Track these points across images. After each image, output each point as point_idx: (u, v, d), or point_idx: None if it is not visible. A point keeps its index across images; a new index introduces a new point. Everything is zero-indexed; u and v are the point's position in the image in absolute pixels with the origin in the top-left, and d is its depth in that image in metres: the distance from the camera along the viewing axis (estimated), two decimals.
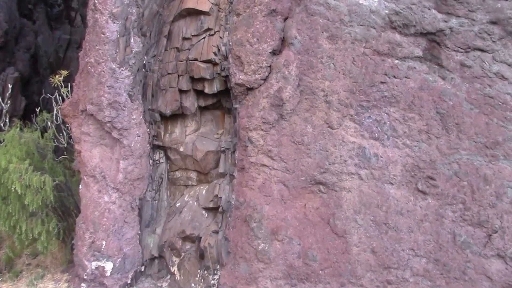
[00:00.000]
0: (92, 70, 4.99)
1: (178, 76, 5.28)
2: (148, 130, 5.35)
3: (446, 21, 4.49)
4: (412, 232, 4.40)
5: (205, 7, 5.14)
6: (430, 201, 4.41)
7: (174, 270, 5.32)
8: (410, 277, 4.37)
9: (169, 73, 5.32)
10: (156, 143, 5.52)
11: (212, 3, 5.15)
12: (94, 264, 5.19)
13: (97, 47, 4.94)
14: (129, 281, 5.30)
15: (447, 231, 4.35)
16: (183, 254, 5.27)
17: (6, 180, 5.37)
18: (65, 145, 6.97)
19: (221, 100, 5.38)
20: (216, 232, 5.09)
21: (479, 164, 4.36)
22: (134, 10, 5.06)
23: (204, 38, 5.13)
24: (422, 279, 4.35)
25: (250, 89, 4.78)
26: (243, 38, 4.75)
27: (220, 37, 5.04)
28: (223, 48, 4.98)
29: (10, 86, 8.02)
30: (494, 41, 4.43)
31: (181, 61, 5.25)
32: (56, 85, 6.85)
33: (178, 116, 5.49)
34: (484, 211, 4.30)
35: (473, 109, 4.41)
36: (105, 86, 4.95)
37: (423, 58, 4.57)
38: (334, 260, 4.49)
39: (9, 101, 7.79)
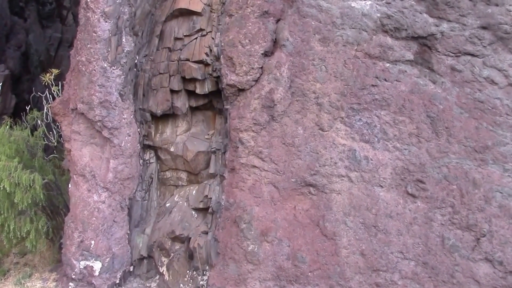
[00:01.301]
0: (83, 68, 4.96)
1: (170, 76, 5.27)
2: (138, 129, 5.33)
3: (437, 26, 4.51)
4: (401, 235, 4.41)
5: (197, 8, 5.13)
6: (419, 204, 4.43)
7: (163, 271, 5.30)
8: (399, 280, 4.38)
9: (160, 73, 5.30)
10: (147, 143, 5.49)
11: (205, 4, 5.14)
12: (82, 263, 5.17)
13: (88, 45, 4.92)
14: (117, 281, 5.27)
15: (436, 234, 4.36)
16: (172, 254, 5.25)
17: None
18: (55, 143, 6.92)
19: (213, 101, 5.37)
20: (206, 233, 5.07)
21: (468, 168, 4.38)
22: (126, 9, 5.04)
23: (196, 38, 5.12)
24: (410, 282, 4.36)
25: (241, 90, 4.78)
26: (235, 39, 4.74)
27: (212, 38, 5.04)
28: (215, 49, 4.97)
29: (0, 84, 7.96)
30: (484, 46, 4.45)
31: (173, 61, 5.24)
32: (46, 84, 6.81)
33: (169, 116, 5.47)
34: (472, 215, 4.31)
35: (463, 113, 4.43)
36: (96, 85, 4.93)
37: (414, 62, 4.58)
38: (323, 262, 4.49)
39: None
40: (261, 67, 4.71)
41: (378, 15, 4.55)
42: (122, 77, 5.05)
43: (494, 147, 4.37)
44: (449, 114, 4.44)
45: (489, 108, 4.42)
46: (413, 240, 4.40)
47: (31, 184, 5.34)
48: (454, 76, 4.49)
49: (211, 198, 5.07)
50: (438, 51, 4.53)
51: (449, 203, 4.38)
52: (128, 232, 5.34)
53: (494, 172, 4.36)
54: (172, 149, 5.40)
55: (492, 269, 4.26)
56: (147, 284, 5.37)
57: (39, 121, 6.91)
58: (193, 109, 5.48)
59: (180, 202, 5.41)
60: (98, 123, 5.03)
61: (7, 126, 6.25)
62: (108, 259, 5.18)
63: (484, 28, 4.46)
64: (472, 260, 4.29)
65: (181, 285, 5.10)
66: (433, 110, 4.46)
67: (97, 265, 5.16)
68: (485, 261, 4.28)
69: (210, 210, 5.08)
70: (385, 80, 4.54)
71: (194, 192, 5.34)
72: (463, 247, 4.31)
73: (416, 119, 4.48)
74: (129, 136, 5.17)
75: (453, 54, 4.51)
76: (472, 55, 4.48)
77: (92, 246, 5.14)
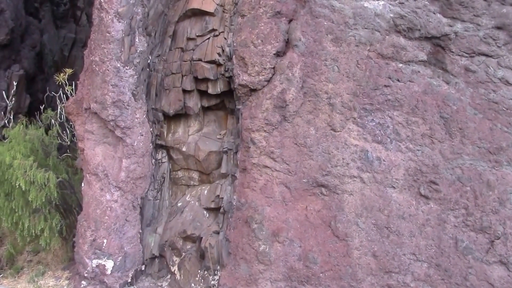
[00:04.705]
0: (97, 68, 5.01)
1: (182, 76, 5.30)
2: (151, 129, 5.36)
3: (451, 26, 4.47)
4: (414, 237, 4.38)
5: (210, 8, 5.16)
6: (432, 206, 4.39)
7: (175, 270, 5.32)
8: (411, 282, 4.35)
9: (173, 73, 5.34)
10: (159, 142, 5.53)
11: (217, 4, 5.17)
12: (95, 262, 5.21)
13: (102, 45, 4.96)
14: (129, 280, 5.30)
15: (449, 236, 4.32)
16: (183, 254, 5.27)
17: (11, 176, 5.41)
18: (68, 143, 7.01)
19: (225, 101, 5.39)
20: (217, 233, 5.09)
21: (482, 170, 4.33)
22: (139, 10, 5.08)
23: (208, 38, 5.15)
24: (423, 284, 4.33)
25: (253, 90, 4.79)
26: (247, 39, 4.76)
27: (225, 38, 5.06)
28: (227, 49, 4.99)
29: (15, 83, 8.08)
30: (499, 46, 4.41)
31: (185, 61, 5.27)
32: (60, 83, 6.89)
33: (181, 116, 5.51)
34: (486, 217, 4.27)
35: (477, 114, 4.39)
36: (109, 84, 4.98)
37: (427, 62, 4.55)
38: (335, 263, 4.47)
39: (13, 98, 7.83)
40: (273, 67, 4.72)
41: (391, 15, 4.53)
42: (135, 77, 5.09)
43: (509, 148, 4.32)
44: (462, 115, 4.40)
45: (504, 109, 4.37)
46: (426, 242, 4.36)
47: (46, 183, 5.40)
48: (468, 77, 4.45)
49: (222, 198, 5.09)
50: (452, 52, 4.49)
51: (462, 205, 4.33)
52: (140, 231, 5.37)
53: (508, 174, 4.31)
54: (184, 149, 5.43)
55: (507, 272, 4.21)
56: (159, 283, 5.39)
57: (53, 121, 7.00)
58: (205, 109, 5.51)
59: (192, 202, 5.44)
60: (111, 123, 5.07)
61: (22, 125, 6.32)
62: (120, 258, 5.22)
63: (499, 28, 4.41)
64: (486, 262, 4.24)
65: (192, 284, 5.12)
66: (447, 111, 4.42)
67: (109, 264, 5.20)
68: (500, 264, 4.23)
69: (221, 210, 5.10)
70: (398, 80, 4.51)
71: (205, 192, 5.36)
72: (476, 249, 4.27)
73: (429, 120, 4.45)
74: (142, 135, 5.21)
75: (467, 55, 4.47)
76: (487, 55, 4.44)
77: (104, 245, 5.18)
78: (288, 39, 4.74)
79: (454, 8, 4.47)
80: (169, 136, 5.56)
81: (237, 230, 4.80)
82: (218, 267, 4.98)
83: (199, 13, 5.25)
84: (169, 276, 5.43)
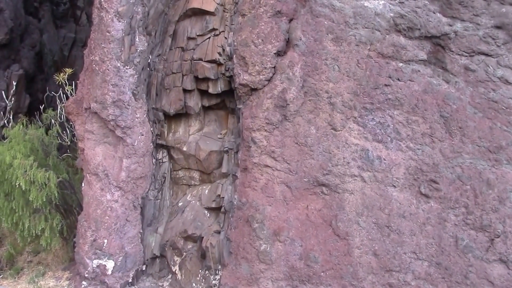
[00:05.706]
0: (97, 68, 5.01)
1: (183, 75, 5.30)
2: (151, 129, 5.36)
3: (451, 25, 4.48)
4: (414, 235, 4.39)
5: (210, 7, 5.16)
6: (432, 205, 4.41)
7: (176, 270, 5.32)
8: (412, 281, 4.36)
9: (173, 73, 5.34)
10: (160, 142, 5.53)
11: (218, 3, 5.17)
12: (95, 262, 5.21)
13: (102, 45, 4.96)
14: (130, 280, 5.30)
15: (450, 235, 4.34)
16: (184, 253, 5.27)
17: (11, 176, 5.40)
18: (69, 142, 7.00)
19: (225, 100, 5.39)
20: (218, 232, 5.09)
21: (482, 168, 4.35)
22: (139, 9, 5.08)
23: (209, 38, 5.15)
24: (424, 282, 4.34)
25: (254, 89, 4.79)
26: (248, 39, 4.76)
27: (225, 38, 5.06)
28: (227, 49, 5.00)
29: (14, 83, 8.07)
30: (498, 46, 4.42)
31: (186, 61, 5.27)
32: (60, 83, 6.89)
33: (182, 115, 5.51)
34: (486, 216, 4.28)
35: (477, 113, 4.40)
36: (109, 84, 4.97)
37: (427, 62, 4.56)
38: (336, 262, 4.49)
39: (13, 98, 7.82)
40: (274, 67, 4.72)
41: (391, 14, 4.54)
42: (135, 76, 5.09)
43: (508, 147, 4.34)
44: (462, 114, 4.41)
45: (503, 108, 4.38)
46: (426, 240, 4.38)
47: (46, 183, 5.39)
48: (467, 76, 4.47)
49: (223, 197, 5.09)
50: (452, 51, 4.50)
51: (462, 204, 4.35)
52: (141, 231, 5.37)
53: (508, 173, 4.32)
54: (184, 149, 5.43)
55: (507, 270, 4.22)
56: (160, 283, 5.39)
57: (53, 121, 6.99)
58: (205, 109, 5.51)
59: (193, 202, 5.44)
60: (111, 122, 5.07)
61: (22, 125, 6.31)
62: (121, 258, 5.22)
63: (498, 27, 4.42)
64: (486, 261, 4.26)
65: (194, 284, 5.12)
66: (447, 110, 4.43)
67: (110, 264, 5.20)
68: (500, 262, 4.24)
69: (222, 209, 5.10)
70: (398, 79, 4.52)
71: (206, 191, 5.36)
72: (477, 247, 4.28)
73: (430, 119, 4.46)
74: (142, 135, 5.21)
75: (466, 54, 4.48)
76: (486, 54, 4.45)
77: (105, 245, 5.18)
78: (288, 38, 4.74)
79: (453, 8, 4.48)
80: (170, 136, 5.56)
81: (238, 230, 4.80)
82: (219, 267, 4.99)
83: (199, 13, 5.24)
84: (170, 276, 5.43)
